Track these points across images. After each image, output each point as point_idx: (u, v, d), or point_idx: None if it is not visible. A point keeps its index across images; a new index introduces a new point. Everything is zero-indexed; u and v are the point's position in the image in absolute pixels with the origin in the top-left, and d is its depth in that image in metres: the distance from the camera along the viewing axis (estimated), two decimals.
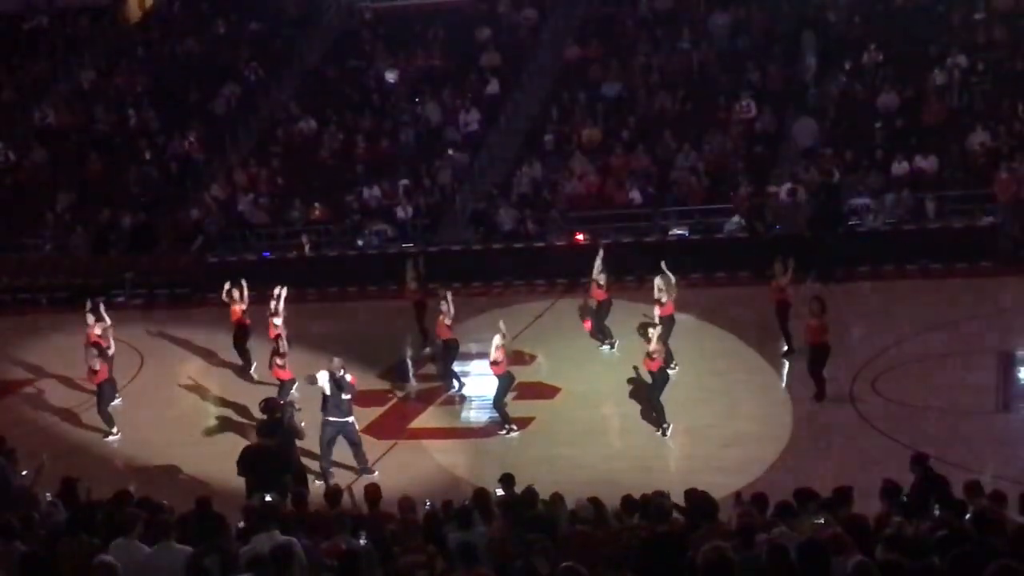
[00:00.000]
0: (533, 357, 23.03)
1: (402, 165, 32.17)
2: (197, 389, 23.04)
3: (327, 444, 17.93)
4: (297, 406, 18.29)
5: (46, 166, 35.15)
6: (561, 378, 22.00)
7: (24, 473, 14.79)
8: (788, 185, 28.56)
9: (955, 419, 18.72)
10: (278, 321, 21.47)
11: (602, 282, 22.96)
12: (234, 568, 9.48)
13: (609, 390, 21.12)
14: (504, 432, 19.63)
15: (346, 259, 30.15)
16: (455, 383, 21.59)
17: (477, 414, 20.88)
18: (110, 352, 21.47)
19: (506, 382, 19.61)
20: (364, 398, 21.11)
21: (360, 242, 30.53)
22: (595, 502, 11.78)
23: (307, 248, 30.61)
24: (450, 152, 32.27)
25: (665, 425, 18.92)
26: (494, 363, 19.36)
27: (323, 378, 18.03)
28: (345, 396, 17.88)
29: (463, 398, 21.51)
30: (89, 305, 22.55)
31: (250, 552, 9.79)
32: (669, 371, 19.58)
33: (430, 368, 22.83)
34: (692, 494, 12.15)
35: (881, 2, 33.42)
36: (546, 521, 11.30)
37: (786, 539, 8.88)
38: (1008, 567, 7.20)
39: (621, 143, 31.40)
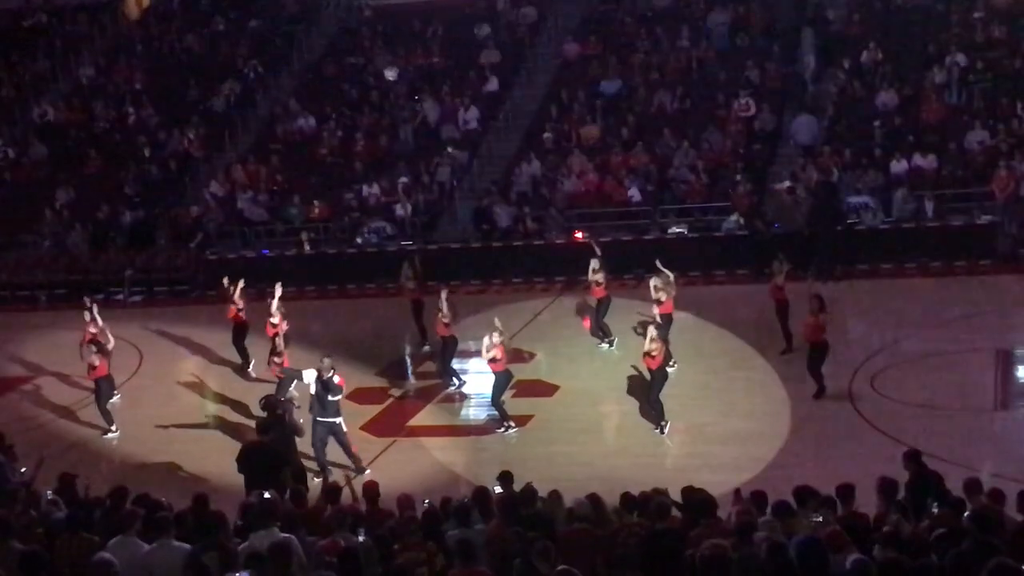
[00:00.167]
0: (532, 355, 23.02)
1: (401, 163, 32.16)
2: (196, 386, 23.03)
3: (320, 444, 17.90)
4: (297, 403, 18.27)
5: (45, 163, 35.19)
6: (560, 376, 22.00)
7: (23, 470, 14.82)
8: (787, 183, 28.58)
9: (954, 417, 18.71)
10: (275, 320, 21.44)
11: (601, 280, 22.97)
12: (233, 565, 9.46)
13: (608, 388, 21.11)
14: (503, 430, 19.62)
15: (345, 256, 30.17)
16: (454, 380, 21.59)
17: (476, 411, 20.87)
18: (109, 347, 21.45)
19: (504, 379, 19.58)
20: (363, 396, 21.19)
21: (359, 240, 30.52)
22: (594, 500, 11.76)
23: (306, 245, 30.60)
24: (449, 150, 32.26)
25: (664, 423, 18.90)
26: (493, 360, 19.33)
27: (310, 377, 18.00)
28: (332, 397, 17.80)
29: (462, 395, 21.49)
30: (88, 303, 22.57)
31: (249, 549, 9.80)
32: (668, 369, 19.56)
33: (429, 366, 22.82)
34: (690, 492, 12.16)
35: (880, 0, 33.44)
36: (545, 519, 11.30)
37: (775, 535, 8.87)
38: (1006, 565, 7.20)
39: (620, 141, 31.41)
